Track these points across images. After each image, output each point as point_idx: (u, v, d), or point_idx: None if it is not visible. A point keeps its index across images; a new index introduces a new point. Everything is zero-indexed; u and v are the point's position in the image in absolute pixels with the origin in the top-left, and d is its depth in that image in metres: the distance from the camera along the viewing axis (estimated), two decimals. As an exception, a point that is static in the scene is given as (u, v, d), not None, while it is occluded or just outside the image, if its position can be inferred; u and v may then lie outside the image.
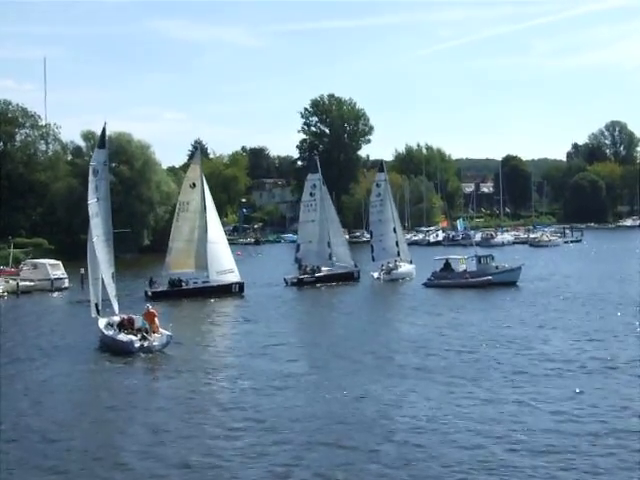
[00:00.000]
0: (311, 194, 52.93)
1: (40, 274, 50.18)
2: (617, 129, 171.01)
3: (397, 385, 21.63)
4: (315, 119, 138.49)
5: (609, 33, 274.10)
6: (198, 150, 57.87)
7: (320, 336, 31.02)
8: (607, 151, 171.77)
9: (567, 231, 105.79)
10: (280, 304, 41.21)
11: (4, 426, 18.54)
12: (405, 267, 53.40)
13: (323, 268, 51.21)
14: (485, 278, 45.59)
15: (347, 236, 75.73)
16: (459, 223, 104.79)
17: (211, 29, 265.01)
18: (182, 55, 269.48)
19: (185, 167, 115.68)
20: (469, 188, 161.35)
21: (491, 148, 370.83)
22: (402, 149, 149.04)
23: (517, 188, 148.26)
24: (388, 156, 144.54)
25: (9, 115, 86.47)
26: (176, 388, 22.31)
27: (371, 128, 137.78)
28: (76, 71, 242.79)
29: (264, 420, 18.43)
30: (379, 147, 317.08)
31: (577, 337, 28.45)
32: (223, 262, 44.72)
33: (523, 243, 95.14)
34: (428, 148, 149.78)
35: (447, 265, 48.46)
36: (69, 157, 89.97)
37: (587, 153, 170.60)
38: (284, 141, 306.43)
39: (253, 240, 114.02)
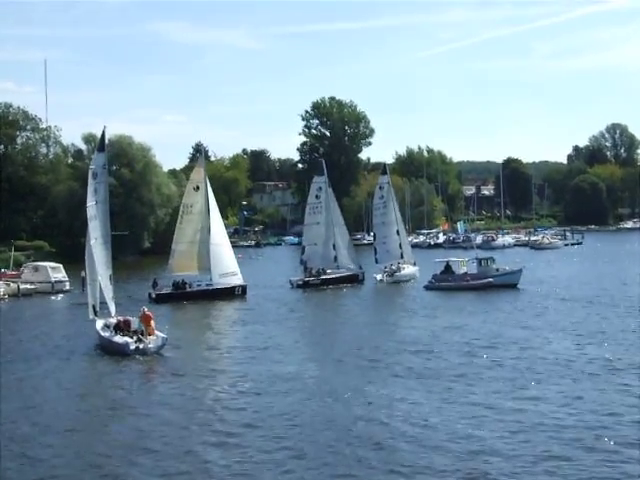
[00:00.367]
0: (317, 196, 53.22)
1: (41, 277, 50.20)
2: (618, 131, 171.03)
3: (396, 387, 21.64)
4: (316, 122, 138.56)
5: (610, 35, 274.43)
6: (202, 153, 58.28)
7: (321, 339, 31.08)
8: (608, 153, 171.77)
9: (568, 233, 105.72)
10: (284, 307, 41.27)
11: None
12: (408, 269, 53.65)
13: (328, 270, 51.43)
14: (486, 280, 45.62)
15: (348, 238, 75.73)
16: (459, 225, 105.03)
17: (212, 31, 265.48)
18: (183, 57, 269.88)
19: (186, 169, 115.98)
20: (470, 191, 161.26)
21: (492, 150, 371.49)
22: (403, 152, 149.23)
23: (518, 190, 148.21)
24: (389, 159, 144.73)
25: (10, 118, 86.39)
26: (169, 390, 22.41)
27: (372, 130, 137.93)
28: (77, 73, 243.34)
29: (257, 425, 18.38)
30: (380, 150, 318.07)
31: (577, 339, 28.44)
32: (226, 264, 44.90)
33: (524, 245, 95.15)
34: (429, 151, 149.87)
35: (447, 267, 48.53)
36: (70, 160, 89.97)
37: (588, 155, 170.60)
38: (285, 144, 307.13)
39: (254, 242, 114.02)
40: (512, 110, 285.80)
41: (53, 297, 48.06)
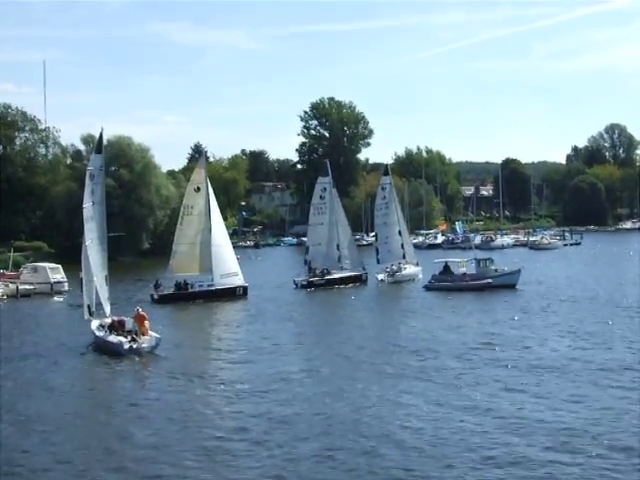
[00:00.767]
0: (321, 197, 53.36)
1: (40, 278, 50.17)
2: (616, 132, 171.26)
3: (393, 387, 21.67)
4: (315, 122, 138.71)
5: (608, 36, 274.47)
6: (203, 154, 58.57)
7: (319, 339, 31.03)
8: (606, 154, 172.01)
9: (567, 234, 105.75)
10: (286, 307, 41.37)
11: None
12: (410, 269, 53.96)
13: (332, 270, 51.62)
14: (485, 281, 45.65)
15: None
16: (458, 226, 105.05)
17: (211, 32, 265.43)
18: (182, 58, 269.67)
19: (185, 170, 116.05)
20: (469, 191, 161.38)
21: (490, 151, 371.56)
22: (402, 152, 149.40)
23: (517, 191, 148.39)
24: (388, 159, 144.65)
25: (9, 119, 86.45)
26: (161, 390, 22.50)
27: (371, 131, 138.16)
28: (76, 74, 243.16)
29: (250, 427, 18.34)
30: (379, 150, 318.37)
31: (576, 340, 28.47)
32: (227, 265, 45.11)
33: (523, 246, 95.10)
34: (428, 151, 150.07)
35: (446, 268, 48.60)
36: (69, 161, 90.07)
37: (587, 156, 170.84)
38: (284, 144, 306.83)
39: (253, 243, 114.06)
40: (511, 110, 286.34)
41: (52, 298, 48.04)
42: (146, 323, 28.31)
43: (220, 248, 45.04)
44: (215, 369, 25.67)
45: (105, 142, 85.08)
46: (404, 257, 54.89)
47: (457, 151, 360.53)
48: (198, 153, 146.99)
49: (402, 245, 55.22)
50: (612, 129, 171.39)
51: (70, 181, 78.69)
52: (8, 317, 39.45)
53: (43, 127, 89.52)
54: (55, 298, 47.95)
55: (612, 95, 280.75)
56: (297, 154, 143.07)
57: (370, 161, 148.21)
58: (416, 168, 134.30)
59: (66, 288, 49.71)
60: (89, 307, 30.49)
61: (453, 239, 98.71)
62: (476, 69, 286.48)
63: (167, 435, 17.88)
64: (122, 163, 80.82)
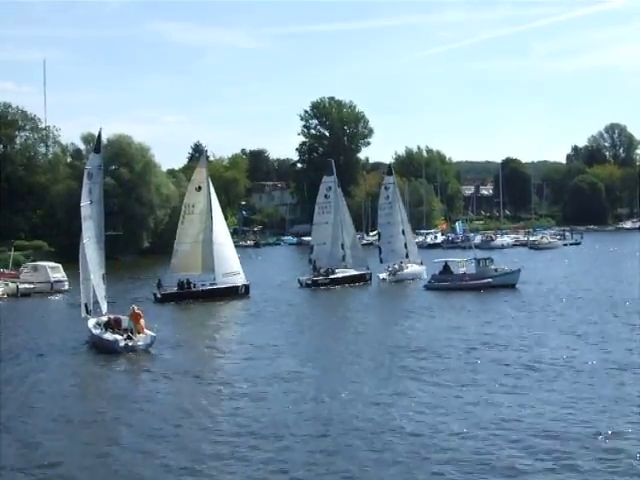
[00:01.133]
0: (326, 196, 53.52)
1: (40, 277, 50.17)
2: (617, 131, 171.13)
3: (390, 388, 21.65)
4: (315, 122, 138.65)
5: (608, 35, 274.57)
6: (204, 153, 58.65)
7: (316, 339, 31.09)
8: (607, 153, 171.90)
9: (567, 233, 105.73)
10: (287, 306, 41.49)
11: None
12: (412, 268, 54.15)
13: (336, 270, 51.80)
14: (485, 281, 45.66)
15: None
16: (458, 225, 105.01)
17: (211, 31, 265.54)
18: (182, 57, 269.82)
19: (185, 169, 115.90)
20: (469, 191, 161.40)
21: (491, 150, 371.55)
22: (402, 152, 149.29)
23: (517, 190, 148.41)
24: (388, 158, 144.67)
25: (9, 118, 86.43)
26: (155, 389, 22.65)
27: (371, 131, 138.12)
28: (76, 73, 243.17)
29: (248, 425, 18.41)
30: (379, 150, 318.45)
31: (575, 340, 28.48)
32: (229, 264, 45.28)
33: (523, 245, 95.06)
34: (428, 151, 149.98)
35: (446, 267, 48.64)
36: (69, 160, 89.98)
37: (587, 155, 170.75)
38: (284, 144, 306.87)
39: (253, 243, 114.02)
40: (511, 110, 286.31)
41: (52, 297, 48.07)
42: (141, 321, 28.70)
43: (222, 247, 45.26)
44: (213, 368, 25.68)
45: (105, 141, 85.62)
46: (407, 256, 55.13)
47: (457, 150, 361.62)
48: (198, 152, 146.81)
49: (405, 244, 55.49)
50: (612, 129, 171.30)
51: (70, 180, 78.65)
52: (8, 316, 39.46)
53: (43, 126, 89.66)
54: (55, 297, 47.99)
55: (612, 95, 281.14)
56: (297, 153, 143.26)
57: (370, 160, 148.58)
58: (416, 167, 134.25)
59: (66, 287, 49.72)
60: (86, 305, 30.75)
61: (453, 239, 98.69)
62: (476, 69, 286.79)
63: (156, 435, 17.96)
64: (122, 162, 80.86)
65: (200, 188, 45.81)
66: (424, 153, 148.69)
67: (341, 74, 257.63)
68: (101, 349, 28.05)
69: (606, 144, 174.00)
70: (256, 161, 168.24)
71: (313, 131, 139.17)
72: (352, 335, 31.60)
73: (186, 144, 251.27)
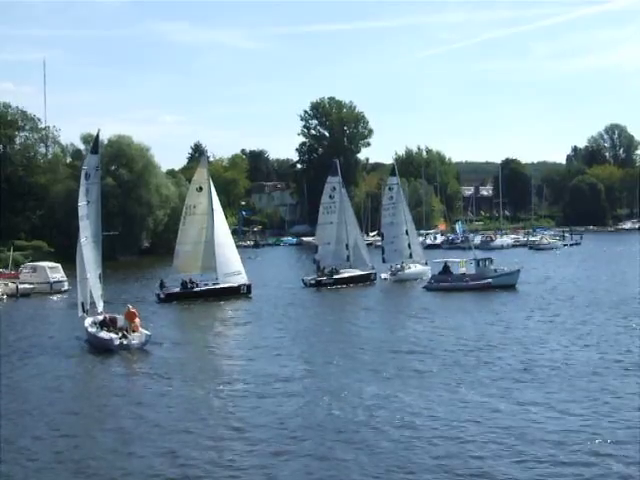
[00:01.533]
0: (330, 196, 53.69)
1: (39, 277, 50.13)
2: (616, 132, 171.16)
3: (388, 387, 21.65)
4: (315, 122, 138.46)
5: (608, 36, 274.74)
6: (204, 155, 58.75)
7: (314, 339, 31.02)
8: (606, 154, 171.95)
9: (566, 234, 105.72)
10: (289, 306, 41.63)
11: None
12: (415, 268, 54.39)
13: (341, 270, 51.94)
14: (485, 281, 45.65)
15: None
16: (458, 226, 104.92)
17: (211, 31, 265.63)
18: (182, 58, 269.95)
19: (185, 170, 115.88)
20: (469, 191, 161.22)
21: (490, 151, 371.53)
22: (402, 152, 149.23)
23: (516, 191, 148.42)
24: (388, 159, 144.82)
25: (9, 118, 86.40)
26: (149, 389, 22.83)
27: (371, 131, 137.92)
28: (76, 74, 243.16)
29: (242, 426, 18.39)
30: (379, 150, 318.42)
31: (574, 341, 28.48)
32: (230, 264, 45.52)
33: (522, 246, 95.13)
34: (428, 151, 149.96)
35: (446, 268, 48.68)
36: (69, 160, 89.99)
37: (586, 156, 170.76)
38: (284, 144, 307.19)
39: (252, 243, 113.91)
40: (511, 111, 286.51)
41: (51, 297, 48.03)
42: (136, 320, 29.19)
43: (223, 247, 45.53)
44: (210, 368, 25.68)
45: (105, 141, 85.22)
46: (411, 256, 55.36)
47: (457, 151, 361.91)
48: (198, 152, 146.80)
49: (409, 245, 55.76)
50: (612, 129, 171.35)
51: (70, 180, 78.50)
52: (7, 316, 39.49)
53: (43, 126, 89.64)
54: (54, 297, 47.95)
55: (612, 95, 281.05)
56: (297, 154, 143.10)
57: (370, 161, 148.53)
58: (416, 168, 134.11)
59: (66, 287, 49.68)
60: (83, 304, 30.98)
61: (453, 239, 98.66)
62: (476, 69, 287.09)
63: (145, 435, 18.01)
64: (122, 162, 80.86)
65: (201, 189, 46.04)
66: (424, 153, 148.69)
67: (341, 74, 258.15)
68: (97, 347, 28.49)
69: (606, 145, 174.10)
70: (256, 161, 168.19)
71: (313, 131, 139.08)
72: (349, 336, 31.59)
73: (186, 144, 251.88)
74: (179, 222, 47.25)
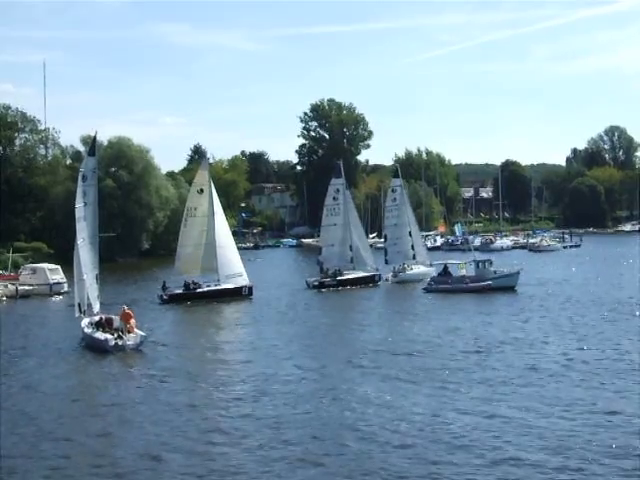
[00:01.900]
0: (334, 198, 53.92)
1: (39, 279, 50.11)
2: (616, 134, 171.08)
3: (386, 389, 21.65)
4: (314, 124, 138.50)
5: (608, 38, 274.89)
6: (205, 157, 58.91)
7: (311, 339, 31.09)
8: (606, 156, 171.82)
9: (566, 236, 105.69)
10: (289, 307, 41.80)
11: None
12: (417, 269, 54.60)
13: (345, 271, 52.05)
14: (485, 283, 45.65)
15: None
16: (457, 227, 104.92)
17: (211, 33, 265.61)
18: (182, 59, 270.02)
19: (185, 171, 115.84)
20: (468, 193, 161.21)
21: (490, 153, 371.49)
22: (402, 154, 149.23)
23: (516, 193, 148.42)
24: (388, 161, 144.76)
25: (8, 119, 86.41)
26: (143, 389, 22.90)
27: (370, 133, 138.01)
28: (76, 75, 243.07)
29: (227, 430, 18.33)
30: (379, 152, 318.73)
31: (574, 342, 28.48)
32: (232, 266, 45.71)
33: (522, 248, 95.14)
34: (428, 153, 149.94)
35: (445, 270, 48.72)
36: (68, 161, 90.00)
37: (586, 158, 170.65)
38: (283, 146, 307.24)
39: (252, 245, 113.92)
40: (511, 112, 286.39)
41: (51, 299, 48.04)
42: (132, 321, 29.40)
43: (224, 249, 45.73)
44: (208, 369, 25.68)
45: (105, 143, 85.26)
46: (414, 258, 55.51)
47: (457, 153, 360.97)
48: (198, 154, 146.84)
49: (412, 246, 55.92)
50: (612, 131, 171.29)
51: (70, 182, 78.29)
52: (6, 318, 39.48)
53: (43, 128, 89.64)
54: (54, 299, 47.96)
55: (612, 97, 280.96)
56: (297, 155, 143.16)
57: (370, 163, 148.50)
58: (416, 170, 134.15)
59: (65, 289, 49.63)
60: (79, 305, 31.20)
61: (452, 241, 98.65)
62: (476, 71, 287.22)
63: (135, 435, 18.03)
64: (122, 164, 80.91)
65: (202, 191, 46.26)
66: (424, 155, 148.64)
67: (341, 76, 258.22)
68: (93, 348, 28.78)
69: (606, 147, 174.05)
70: (256, 163, 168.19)
71: (313, 133, 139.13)
72: (346, 338, 31.61)
73: (185, 146, 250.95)
74: (179, 224, 47.42)
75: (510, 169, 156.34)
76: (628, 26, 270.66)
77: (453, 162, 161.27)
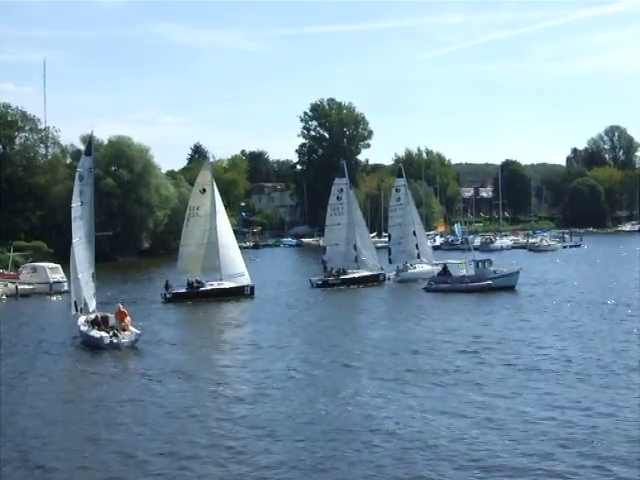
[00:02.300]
0: (338, 198, 54.07)
1: (39, 277, 50.14)
2: (616, 134, 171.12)
3: (385, 389, 21.61)
4: (314, 123, 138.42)
5: (608, 38, 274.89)
6: (207, 157, 59.03)
7: (309, 340, 31.02)
8: (606, 156, 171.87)
9: (566, 236, 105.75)
10: (289, 307, 41.86)
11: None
12: (420, 268, 54.68)
13: (349, 270, 52.11)
14: (484, 283, 45.65)
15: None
16: (457, 227, 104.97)
17: (211, 33, 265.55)
18: (182, 59, 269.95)
19: (185, 171, 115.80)
20: (468, 193, 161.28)
21: (490, 153, 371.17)
22: (402, 153, 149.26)
23: (516, 193, 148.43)
24: (388, 160, 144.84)
25: (8, 118, 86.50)
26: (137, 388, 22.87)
27: (370, 132, 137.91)
28: (76, 74, 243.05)
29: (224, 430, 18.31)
30: (379, 151, 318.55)
31: (574, 342, 28.47)
32: (234, 266, 45.87)
33: (522, 248, 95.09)
34: (428, 152, 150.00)
35: (445, 269, 48.75)
36: (68, 160, 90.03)
37: (586, 158, 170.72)
38: (283, 145, 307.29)
39: (252, 244, 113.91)
40: (511, 112, 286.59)
41: (51, 298, 48.05)
42: (127, 319, 29.71)
43: (227, 249, 45.90)
44: (210, 368, 25.70)
45: (105, 142, 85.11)
46: (419, 257, 55.67)
47: (457, 152, 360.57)
48: (198, 153, 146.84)
49: (417, 245, 56.04)
50: (612, 131, 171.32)
51: (69, 181, 77.86)
52: (6, 317, 39.53)
53: (43, 127, 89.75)
54: (54, 298, 47.96)
55: (612, 97, 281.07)
56: (297, 155, 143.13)
57: (370, 162, 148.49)
58: (416, 169, 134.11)
59: (65, 288, 49.38)
60: (76, 303, 31.30)
61: (452, 240, 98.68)
62: (476, 71, 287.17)
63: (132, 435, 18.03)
64: (122, 163, 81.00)
65: (204, 190, 46.50)
66: (424, 155, 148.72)
67: (341, 76, 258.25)
68: (88, 345, 29.07)
69: (606, 147, 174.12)
70: (256, 162, 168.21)
71: (313, 133, 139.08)
72: (345, 336, 31.60)
73: (186, 145, 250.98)
74: (179, 223, 47.63)
75: (510, 169, 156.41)
76: (628, 26, 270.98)
77: (453, 162, 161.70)
